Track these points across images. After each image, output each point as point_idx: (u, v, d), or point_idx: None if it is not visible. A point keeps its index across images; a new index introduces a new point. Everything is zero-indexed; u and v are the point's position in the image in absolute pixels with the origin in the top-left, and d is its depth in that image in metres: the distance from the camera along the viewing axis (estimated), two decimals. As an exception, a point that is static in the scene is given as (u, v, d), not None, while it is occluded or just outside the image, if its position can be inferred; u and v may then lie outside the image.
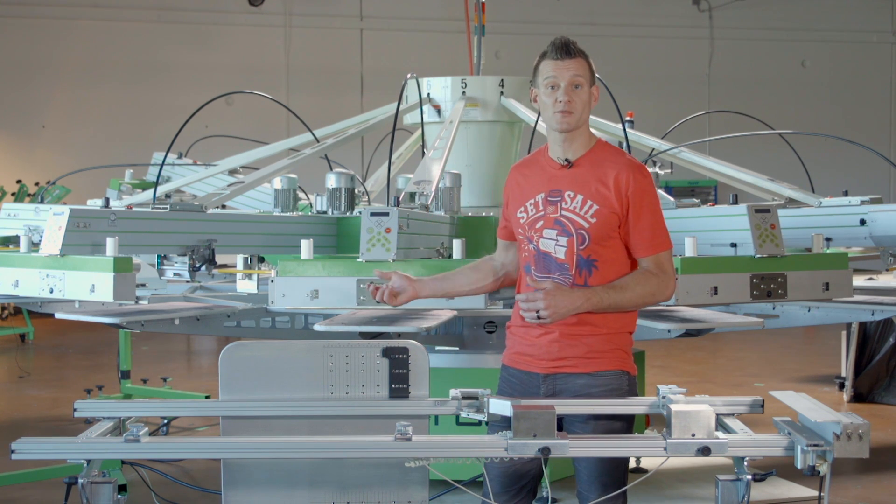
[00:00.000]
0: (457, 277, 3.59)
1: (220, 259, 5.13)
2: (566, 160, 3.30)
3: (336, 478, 3.22)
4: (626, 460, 3.33)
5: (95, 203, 5.79)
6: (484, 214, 5.93)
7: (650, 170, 6.13)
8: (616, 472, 3.26)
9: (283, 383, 3.24)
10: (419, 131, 6.66)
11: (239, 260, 5.26)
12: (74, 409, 3.36)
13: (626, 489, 3.25)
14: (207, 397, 7.37)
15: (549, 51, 3.25)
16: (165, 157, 6.26)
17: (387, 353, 3.23)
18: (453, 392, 3.23)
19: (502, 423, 3.07)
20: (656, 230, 3.27)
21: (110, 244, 4.41)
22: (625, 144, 5.82)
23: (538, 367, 3.29)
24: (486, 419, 3.15)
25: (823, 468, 2.86)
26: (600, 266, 3.24)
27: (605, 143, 3.39)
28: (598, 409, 3.24)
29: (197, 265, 4.96)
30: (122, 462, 5.50)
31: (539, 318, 3.21)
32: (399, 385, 3.23)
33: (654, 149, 6.29)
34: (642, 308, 3.39)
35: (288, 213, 5.88)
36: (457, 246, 4.74)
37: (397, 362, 3.22)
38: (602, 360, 3.27)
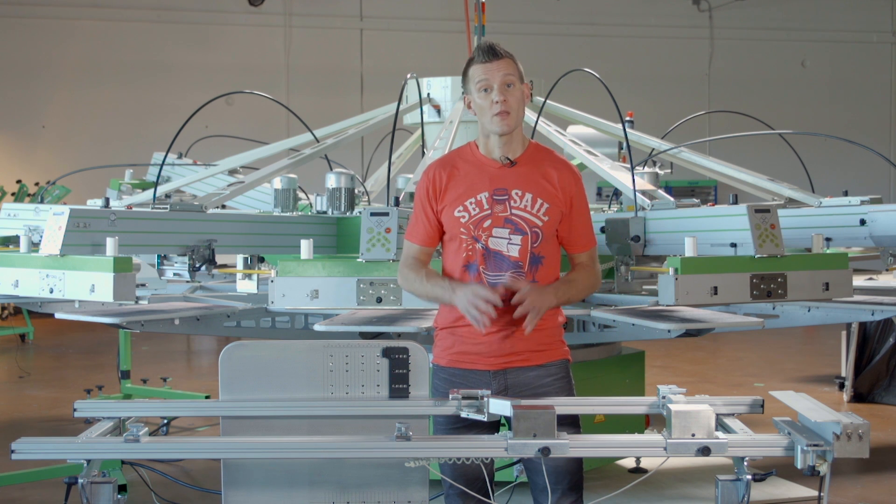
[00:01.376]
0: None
1: (220, 259, 5.13)
2: (508, 159, 3.36)
3: (336, 478, 3.22)
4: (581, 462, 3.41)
5: (95, 203, 5.79)
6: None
7: (650, 170, 6.15)
8: (580, 469, 3.37)
9: (283, 383, 3.24)
10: (419, 131, 6.66)
11: (239, 260, 5.26)
12: (74, 409, 3.36)
13: (622, 490, 3.27)
14: (207, 397, 7.37)
15: (477, 55, 3.34)
16: (165, 157, 6.26)
17: (387, 353, 3.23)
18: (453, 392, 3.23)
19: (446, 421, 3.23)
20: (589, 228, 3.47)
21: (110, 244, 4.41)
22: (625, 144, 5.83)
23: (486, 365, 3.34)
24: (486, 419, 3.15)
25: (823, 468, 2.86)
26: (546, 262, 3.36)
27: (536, 143, 3.48)
28: (599, 409, 3.25)
29: (197, 265, 4.96)
30: (122, 462, 5.50)
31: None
32: (399, 385, 3.23)
33: (654, 149, 6.29)
34: (584, 298, 3.59)
35: (288, 213, 5.88)
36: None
37: (397, 362, 3.23)
38: (549, 352, 3.40)
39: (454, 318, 3.38)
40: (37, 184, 12.61)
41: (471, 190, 3.36)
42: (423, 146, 6.52)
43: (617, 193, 6.14)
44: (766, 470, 3.01)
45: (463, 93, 3.45)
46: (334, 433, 3.16)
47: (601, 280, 3.53)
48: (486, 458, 3.07)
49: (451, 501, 3.39)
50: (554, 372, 3.39)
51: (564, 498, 3.33)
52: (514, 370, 3.34)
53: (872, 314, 5.50)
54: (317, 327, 4.55)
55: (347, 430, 3.19)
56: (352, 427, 3.20)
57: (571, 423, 3.28)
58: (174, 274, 5.11)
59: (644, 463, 5.82)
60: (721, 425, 3.11)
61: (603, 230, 5.04)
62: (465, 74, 3.39)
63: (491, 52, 3.31)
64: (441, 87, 6.43)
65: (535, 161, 3.39)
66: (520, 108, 3.34)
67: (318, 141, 6.64)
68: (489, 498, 3.23)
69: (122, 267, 4.35)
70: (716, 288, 4.31)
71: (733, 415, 3.23)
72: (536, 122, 5.82)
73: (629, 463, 5.97)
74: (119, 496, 3.07)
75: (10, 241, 5.66)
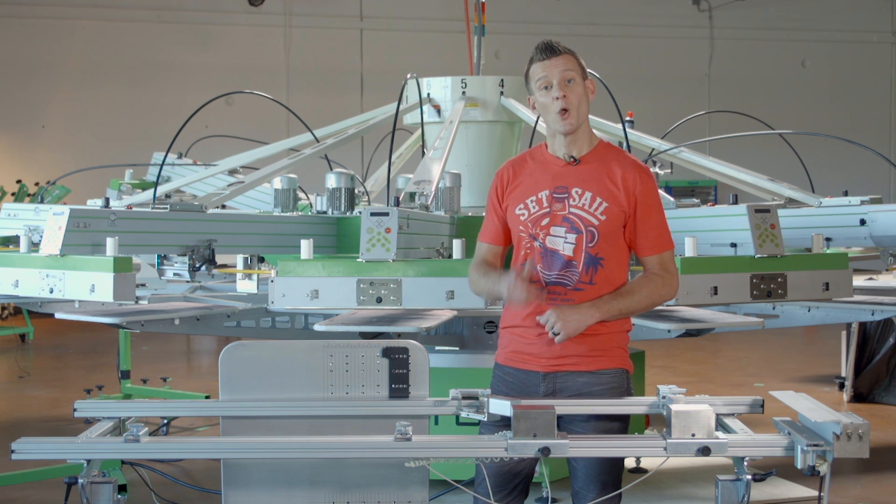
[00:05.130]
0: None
1: (220, 259, 5.12)
2: (572, 157, 3.30)
3: (336, 478, 3.22)
4: (623, 459, 3.34)
5: (95, 203, 5.79)
6: (484, 214, 5.92)
7: (650, 170, 6.15)
8: (614, 471, 3.27)
9: (283, 383, 3.24)
10: (419, 131, 6.66)
11: (239, 260, 5.26)
12: (74, 409, 3.37)
13: (622, 490, 3.26)
14: (207, 397, 7.36)
15: (535, 54, 3.28)
16: (165, 157, 6.26)
17: (387, 353, 3.23)
18: (453, 392, 3.23)
19: (499, 423, 3.08)
20: (662, 230, 3.31)
21: (110, 244, 4.41)
22: (625, 144, 5.82)
23: (537, 366, 3.28)
24: (486, 419, 3.15)
25: (823, 468, 2.86)
26: (606, 264, 3.25)
27: (607, 143, 3.40)
28: (598, 409, 3.25)
29: (197, 265, 4.95)
30: (122, 462, 5.50)
31: (555, 334, 3.20)
32: (399, 385, 3.22)
33: (654, 149, 6.29)
34: (650, 309, 3.41)
35: (288, 213, 5.88)
36: (457, 246, 4.74)
37: (397, 362, 3.22)
38: (603, 359, 3.28)
39: (511, 318, 3.36)
40: (37, 184, 12.60)
41: (533, 188, 3.32)
42: (423, 146, 6.52)
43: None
44: (766, 470, 3.01)
45: (528, 95, 3.38)
46: (334, 433, 3.16)
47: (675, 287, 3.34)
48: (486, 458, 3.07)
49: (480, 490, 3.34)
50: (606, 381, 3.28)
51: (600, 498, 3.29)
52: (563, 374, 3.26)
53: (872, 314, 5.51)
54: (317, 327, 4.55)
55: (347, 430, 3.19)
56: (352, 427, 3.20)
57: (619, 420, 3.24)
58: (174, 274, 5.10)
59: (644, 463, 5.82)
60: (721, 425, 3.11)
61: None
62: (526, 76, 3.32)
63: (549, 50, 3.24)
64: (441, 87, 6.43)
65: (600, 159, 3.31)
66: (582, 104, 3.25)
67: (318, 141, 6.64)
68: (489, 498, 3.23)
69: (122, 267, 4.35)
70: (716, 288, 4.31)
71: (733, 415, 3.23)
72: (536, 122, 5.82)
73: (629, 463, 5.96)
74: (119, 496, 3.07)
75: (10, 241, 5.66)
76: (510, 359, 3.36)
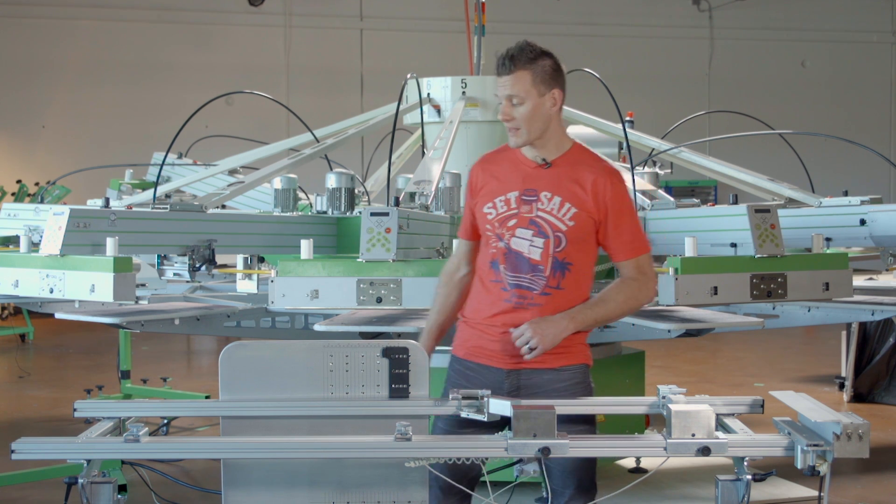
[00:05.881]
0: (447, 312, 3.56)
1: (220, 259, 5.13)
2: (544, 160, 3.31)
3: (336, 478, 3.21)
4: (595, 458, 3.37)
5: (95, 203, 5.79)
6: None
7: (650, 170, 6.15)
8: (590, 469, 3.33)
9: (283, 383, 3.23)
10: (419, 131, 6.66)
11: (239, 260, 5.26)
12: (74, 409, 3.36)
13: (622, 489, 3.26)
14: (207, 397, 7.36)
15: (496, 65, 3.28)
16: (165, 157, 6.26)
17: (387, 353, 3.23)
18: (453, 392, 3.23)
19: (451, 419, 3.19)
20: (636, 234, 3.33)
21: (110, 244, 4.41)
22: (625, 144, 5.83)
23: (500, 362, 3.31)
24: (486, 419, 3.15)
25: (823, 468, 2.86)
26: (573, 269, 3.27)
27: (580, 146, 3.40)
28: (598, 409, 3.25)
29: (197, 265, 4.96)
30: (122, 462, 5.48)
31: (531, 349, 3.21)
32: (399, 385, 3.22)
33: (654, 149, 6.29)
34: (627, 315, 3.44)
35: (288, 213, 5.88)
36: (456, 246, 4.74)
37: (397, 362, 3.22)
38: (567, 356, 3.31)
39: (474, 313, 3.38)
40: (37, 184, 12.60)
41: (503, 188, 3.32)
42: (423, 146, 6.51)
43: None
44: (766, 470, 3.01)
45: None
46: (334, 433, 3.16)
47: (653, 290, 3.37)
48: (486, 458, 3.07)
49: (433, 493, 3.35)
50: (569, 377, 3.31)
51: (574, 500, 3.30)
52: (527, 371, 3.28)
53: (872, 314, 5.51)
54: (317, 327, 4.55)
55: (347, 429, 3.19)
56: (351, 427, 3.20)
57: (586, 422, 3.25)
58: (174, 274, 5.11)
59: (644, 463, 5.82)
60: (721, 425, 3.11)
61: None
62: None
63: (502, 66, 3.25)
64: (441, 87, 6.42)
65: (572, 164, 3.30)
66: (532, 122, 3.24)
67: (318, 141, 6.63)
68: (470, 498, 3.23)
69: (122, 267, 4.35)
70: (716, 288, 4.31)
71: (733, 415, 3.23)
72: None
73: (629, 463, 5.97)
74: (119, 496, 3.07)
75: (10, 241, 5.66)
76: (472, 353, 3.37)
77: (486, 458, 3.07)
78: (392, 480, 3.20)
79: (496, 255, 3.31)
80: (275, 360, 3.25)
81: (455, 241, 3.57)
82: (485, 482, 3.25)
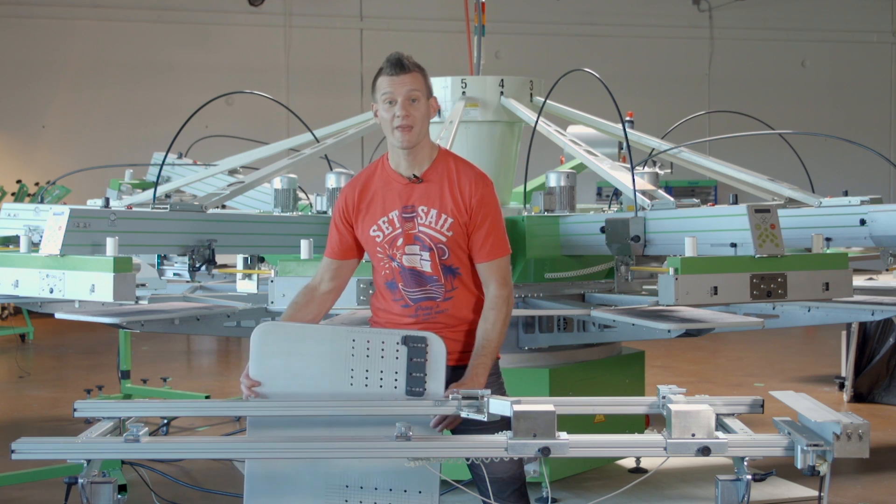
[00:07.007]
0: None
1: (220, 259, 5.12)
2: (415, 175, 3.38)
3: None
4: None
5: (95, 203, 5.79)
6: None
7: (650, 170, 6.14)
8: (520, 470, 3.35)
9: (307, 363, 3.33)
10: (419, 131, 6.64)
11: (239, 260, 5.26)
12: (74, 409, 3.37)
13: (623, 490, 3.26)
14: (207, 397, 7.37)
15: (385, 67, 3.38)
16: (165, 157, 6.25)
17: (406, 341, 3.30)
18: (453, 392, 3.23)
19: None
20: (497, 237, 3.40)
21: (110, 244, 4.41)
22: (625, 144, 5.82)
23: None
24: (486, 419, 3.15)
25: (823, 468, 2.87)
26: (462, 271, 3.39)
27: (446, 152, 3.49)
28: (598, 409, 3.25)
29: (197, 265, 4.95)
30: (122, 462, 5.50)
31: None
32: (416, 374, 3.27)
33: (653, 149, 6.29)
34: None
35: (288, 213, 5.87)
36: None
37: (415, 351, 3.29)
38: (471, 351, 3.38)
39: (377, 307, 3.50)
40: (37, 184, 12.60)
41: (384, 209, 3.41)
42: (423, 146, 6.50)
43: (617, 193, 6.14)
44: (766, 470, 3.01)
45: (372, 101, 3.46)
46: (346, 426, 3.23)
47: (512, 299, 3.45)
48: (486, 459, 3.07)
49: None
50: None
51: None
52: (447, 368, 3.32)
53: (872, 314, 5.51)
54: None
55: (357, 423, 3.27)
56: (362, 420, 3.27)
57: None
58: (174, 274, 5.11)
59: (644, 463, 5.82)
60: (721, 425, 3.11)
61: (603, 230, 5.04)
62: (373, 85, 3.41)
63: (398, 66, 3.34)
64: (441, 87, 6.41)
65: (440, 174, 3.40)
66: (423, 123, 3.36)
67: (318, 141, 6.63)
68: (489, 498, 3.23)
69: (122, 267, 4.35)
70: (716, 288, 4.31)
71: (733, 415, 3.23)
72: (536, 122, 5.82)
73: (629, 463, 5.97)
74: (119, 496, 3.08)
75: (10, 241, 5.66)
76: None
77: (488, 459, 3.07)
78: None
79: (391, 276, 3.42)
80: (302, 340, 3.36)
81: (322, 260, 3.61)
82: (485, 482, 3.26)
